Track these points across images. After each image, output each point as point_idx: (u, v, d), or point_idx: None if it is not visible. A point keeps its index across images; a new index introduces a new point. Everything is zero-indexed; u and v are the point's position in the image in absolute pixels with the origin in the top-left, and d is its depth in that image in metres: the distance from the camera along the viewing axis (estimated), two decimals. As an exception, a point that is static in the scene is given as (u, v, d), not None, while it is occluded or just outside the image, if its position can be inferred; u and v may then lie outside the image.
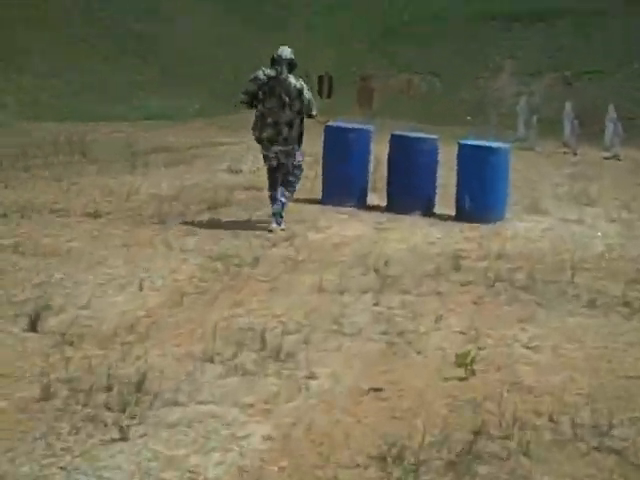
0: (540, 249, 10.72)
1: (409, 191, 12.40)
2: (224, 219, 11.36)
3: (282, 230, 10.61)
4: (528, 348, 7.13)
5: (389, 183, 12.82)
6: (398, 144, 12.74)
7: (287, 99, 10.35)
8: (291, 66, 10.45)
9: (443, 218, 12.26)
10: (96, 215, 11.18)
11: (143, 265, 8.99)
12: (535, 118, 23.17)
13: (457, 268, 9.44)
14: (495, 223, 12.03)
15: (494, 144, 12.98)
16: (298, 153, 10.71)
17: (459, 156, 12.54)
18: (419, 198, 12.44)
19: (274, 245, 10.12)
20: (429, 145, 12.69)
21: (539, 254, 10.43)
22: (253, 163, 16.29)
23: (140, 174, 14.61)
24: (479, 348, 6.95)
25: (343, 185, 12.57)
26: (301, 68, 10.95)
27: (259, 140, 10.69)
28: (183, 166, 15.74)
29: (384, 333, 7.28)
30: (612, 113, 21.47)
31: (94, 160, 15.69)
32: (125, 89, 24.83)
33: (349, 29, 30.86)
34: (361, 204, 12.78)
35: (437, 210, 12.65)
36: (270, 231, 10.54)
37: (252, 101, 10.57)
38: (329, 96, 26.79)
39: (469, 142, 12.99)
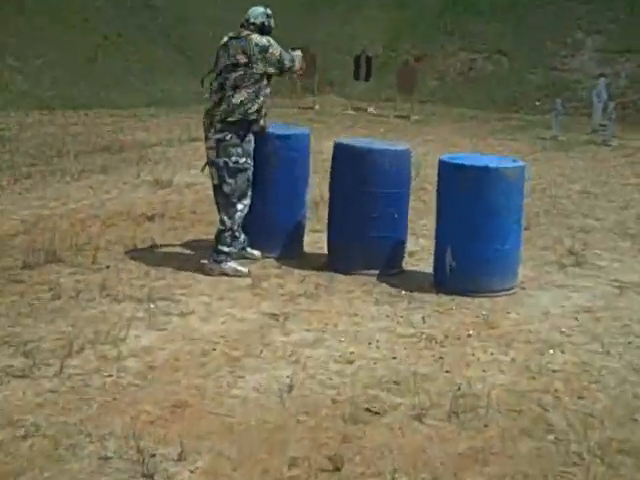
0: (553, 376, 5.09)
1: (359, 236, 6.93)
2: (25, 295, 6.08)
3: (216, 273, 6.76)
4: None
5: (330, 221, 7.33)
6: (343, 159, 7.15)
7: (243, 59, 6.69)
8: (261, 31, 6.90)
9: (412, 284, 6.74)
10: None
11: None
12: (612, 105, 17.33)
13: (338, 465, 3.94)
14: (496, 296, 6.51)
15: (496, 162, 6.93)
16: (232, 149, 6.78)
17: (439, 182, 6.90)
18: (376, 248, 6.95)
19: (31, 375, 4.79)
20: (394, 162, 7.05)
21: (542, 394, 4.83)
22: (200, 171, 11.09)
23: (12, 193, 9.47)
24: None
25: (261, 223, 7.17)
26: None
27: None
28: (100, 176, 10.54)
29: None
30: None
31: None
32: (126, 73, 19.66)
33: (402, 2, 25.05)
34: (291, 253, 7.37)
35: (410, 265, 7.21)
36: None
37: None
38: (367, 79, 21.17)
39: (454, 158, 7.02)
